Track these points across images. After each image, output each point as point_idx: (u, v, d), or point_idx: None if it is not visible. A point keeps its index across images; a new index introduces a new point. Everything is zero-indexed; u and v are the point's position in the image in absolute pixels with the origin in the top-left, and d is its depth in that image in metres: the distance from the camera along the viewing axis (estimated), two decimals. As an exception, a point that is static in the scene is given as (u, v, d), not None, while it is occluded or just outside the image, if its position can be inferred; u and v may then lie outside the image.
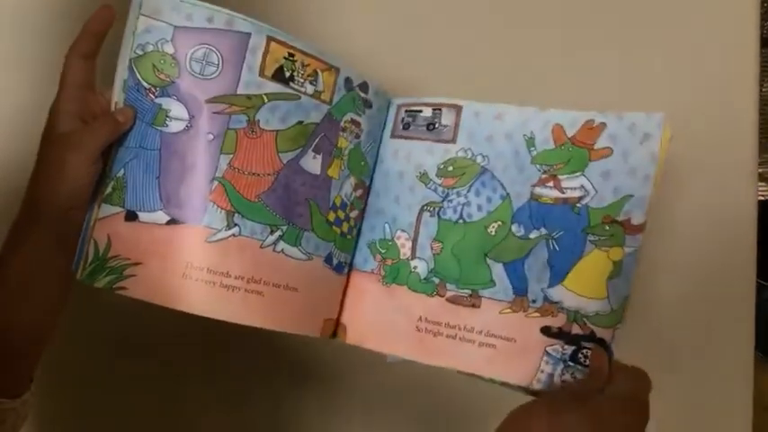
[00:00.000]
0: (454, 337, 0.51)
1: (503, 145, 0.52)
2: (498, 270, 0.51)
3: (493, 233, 0.51)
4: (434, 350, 0.52)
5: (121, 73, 0.49)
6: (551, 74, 0.73)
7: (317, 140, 0.53)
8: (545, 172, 0.50)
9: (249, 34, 0.49)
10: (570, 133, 0.50)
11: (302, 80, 0.52)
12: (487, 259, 0.51)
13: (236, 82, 0.49)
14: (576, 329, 0.48)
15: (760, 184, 1.13)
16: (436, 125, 0.55)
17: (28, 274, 0.47)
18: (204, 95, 0.49)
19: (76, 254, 0.48)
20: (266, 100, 0.51)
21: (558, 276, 0.49)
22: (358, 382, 0.76)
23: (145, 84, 0.49)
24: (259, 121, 0.50)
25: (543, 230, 0.50)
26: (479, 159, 0.53)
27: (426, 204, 0.54)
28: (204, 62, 0.49)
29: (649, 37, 0.74)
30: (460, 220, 0.53)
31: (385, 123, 0.58)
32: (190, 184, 0.49)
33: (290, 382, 0.75)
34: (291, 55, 0.51)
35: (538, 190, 0.50)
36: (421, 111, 0.56)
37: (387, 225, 0.56)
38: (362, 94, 0.55)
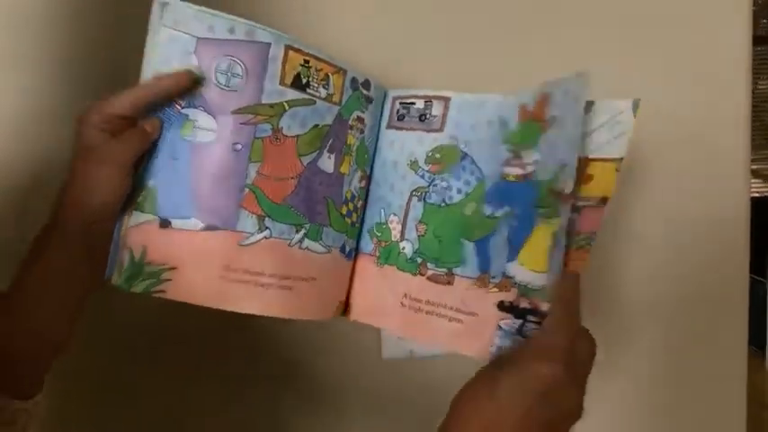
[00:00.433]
0: (431, 313, 0.54)
1: (484, 131, 0.54)
2: (470, 249, 0.53)
3: (468, 214, 0.54)
4: (414, 325, 0.55)
5: None
6: (548, 72, 0.73)
7: (330, 141, 0.56)
8: (512, 151, 0.52)
9: (269, 44, 0.51)
10: (530, 109, 0.51)
11: (316, 85, 0.54)
12: (462, 239, 0.54)
13: (260, 92, 0.51)
14: (524, 303, 0.49)
15: (753, 180, 1.14)
16: (427, 116, 0.57)
17: (48, 282, 0.47)
18: (231, 107, 0.50)
19: (109, 261, 0.50)
20: (287, 107, 0.53)
21: (514, 252, 0.49)
22: (359, 383, 0.76)
23: None
24: (282, 128, 0.53)
25: (507, 208, 0.51)
26: (462, 146, 0.55)
27: (415, 189, 0.57)
28: (229, 74, 0.50)
29: (643, 35, 0.75)
30: (443, 204, 0.55)
31: (381, 115, 0.61)
32: (222, 192, 0.51)
33: (290, 382, 0.75)
34: (307, 62, 0.53)
35: (506, 169, 0.52)
36: (414, 103, 0.58)
37: (382, 210, 0.59)
38: (365, 92, 0.58)
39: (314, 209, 0.55)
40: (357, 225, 0.60)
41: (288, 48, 0.52)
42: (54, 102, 0.66)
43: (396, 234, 0.57)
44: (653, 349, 0.80)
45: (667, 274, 0.79)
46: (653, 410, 0.81)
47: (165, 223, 0.50)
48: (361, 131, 0.58)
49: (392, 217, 0.58)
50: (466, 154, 0.55)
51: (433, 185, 0.56)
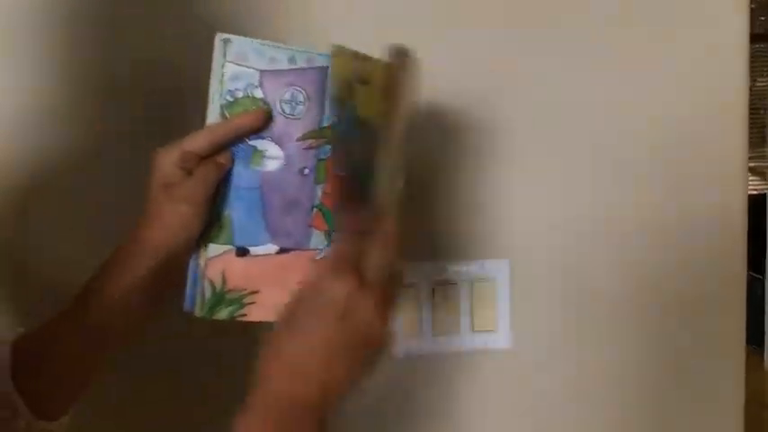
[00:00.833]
0: None
1: None
2: None
3: None
4: None
5: (213, 119, 0.51)
6: (548, 72, 0.73)
7: None
8: None
9: (327, 67, 0.52)
10: None
11: None
12: None
13: (321, 115, 0.52)
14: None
15: (750, 177, 1.14)
16: None
17: (114, 310, 0.49)
18: (296, 133, 0.52)
19: (186, 294, 0.52)
20: None
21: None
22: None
23: None
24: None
25: None
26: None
27: None
28: (293, 102, 0.52)
29: (642, 34, 0.75)
30: None
31: None
32: (294, 216, 0.53)
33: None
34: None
35: None
36: None
37: None
38: None
39: None
40: None
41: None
42: (54, 102, 0.66)
43: None
44: (651, 347, 0.80)
45: (665, 273, 0.79)
46: (651, 409, 0.81)
47: (242, 252, 0.52)
48: None
49: None
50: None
51: None
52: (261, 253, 0.52)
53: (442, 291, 0.76)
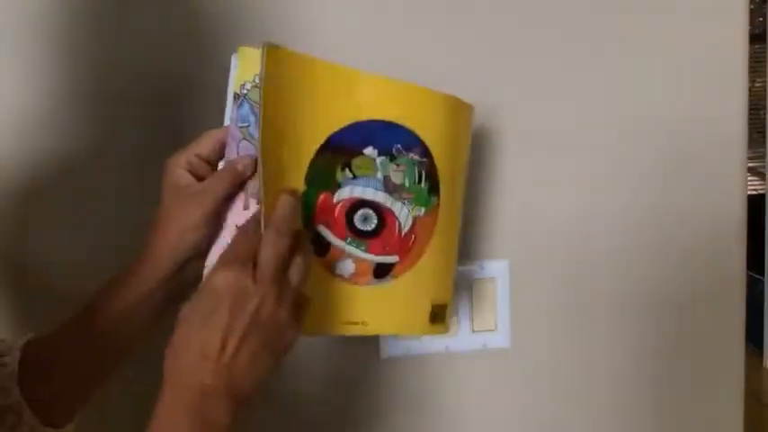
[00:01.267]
0: None
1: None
2: None
3: None
4: None
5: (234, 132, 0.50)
6: (548, 73, 0.74)
7: None
8: None
9: None
10: None
11: None
12: None
13: None
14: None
15: (749, 178, 1.14)
16: None
17: (129, 314, 0.49)
18: None
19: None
20: None
21: None
22: (359, 383, 0.77)
23: None
24: None
25: None
26: None
27: None
28: None
29: (641, 34, 0.75)
30: None
31: None
32: None
33: (290, 382, 0.76)
34: None
35: None
36: None
37: None
38: None
39: None
40: None
41: None
42: (54, 102, 0.66)
43: None
44: (650, 347, 0.80)
45: (665, 272, 0.79)
46: (651, 408, 0.81)
47: None
48: None
49: None
50: None
51: None
52: None
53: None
